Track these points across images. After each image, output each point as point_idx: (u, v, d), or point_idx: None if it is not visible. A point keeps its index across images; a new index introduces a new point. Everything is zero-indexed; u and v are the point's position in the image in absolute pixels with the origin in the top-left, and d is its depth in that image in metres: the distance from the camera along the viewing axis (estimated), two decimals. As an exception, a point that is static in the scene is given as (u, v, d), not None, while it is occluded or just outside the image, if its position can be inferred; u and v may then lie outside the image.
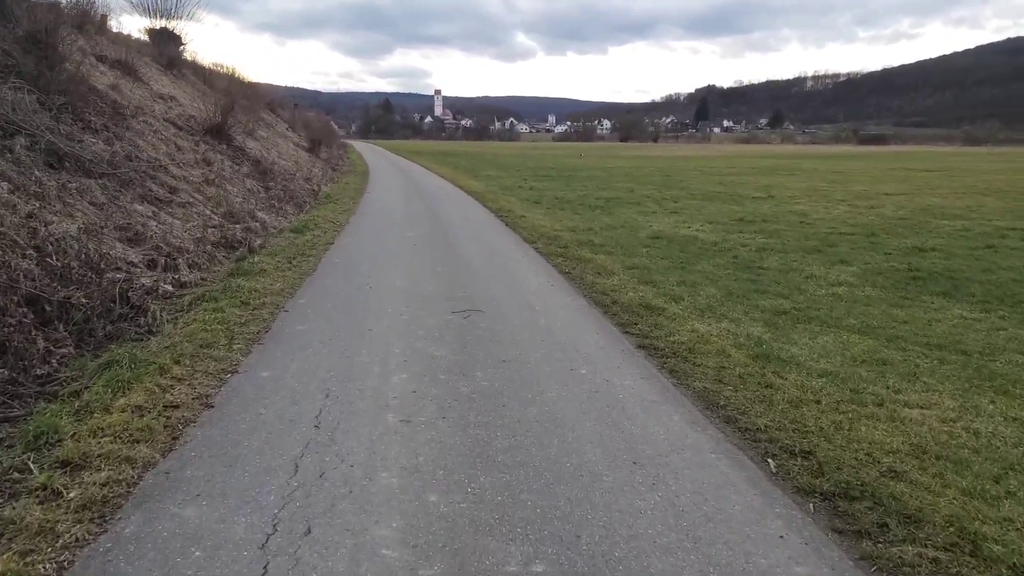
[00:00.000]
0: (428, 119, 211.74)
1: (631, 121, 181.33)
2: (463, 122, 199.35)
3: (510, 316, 5.74)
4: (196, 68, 21.87)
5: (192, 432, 3.39)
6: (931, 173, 30.63)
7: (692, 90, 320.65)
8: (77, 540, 2.48)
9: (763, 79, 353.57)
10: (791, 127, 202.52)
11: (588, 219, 12.94)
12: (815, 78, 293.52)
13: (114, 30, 17.98)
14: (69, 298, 4.90)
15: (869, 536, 2.69)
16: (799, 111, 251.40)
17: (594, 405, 3.86)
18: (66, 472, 2.91)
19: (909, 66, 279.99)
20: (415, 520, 2.67)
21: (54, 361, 4.18)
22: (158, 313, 5.35)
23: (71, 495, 2.73)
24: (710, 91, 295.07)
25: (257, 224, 9.74)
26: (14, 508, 2.62)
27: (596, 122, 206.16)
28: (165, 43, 19.26)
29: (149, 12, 19.50)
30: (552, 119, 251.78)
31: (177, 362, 4.25)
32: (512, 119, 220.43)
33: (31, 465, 2.94)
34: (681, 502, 2.88)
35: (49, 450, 3.10)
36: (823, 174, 29.76)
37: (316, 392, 3.91)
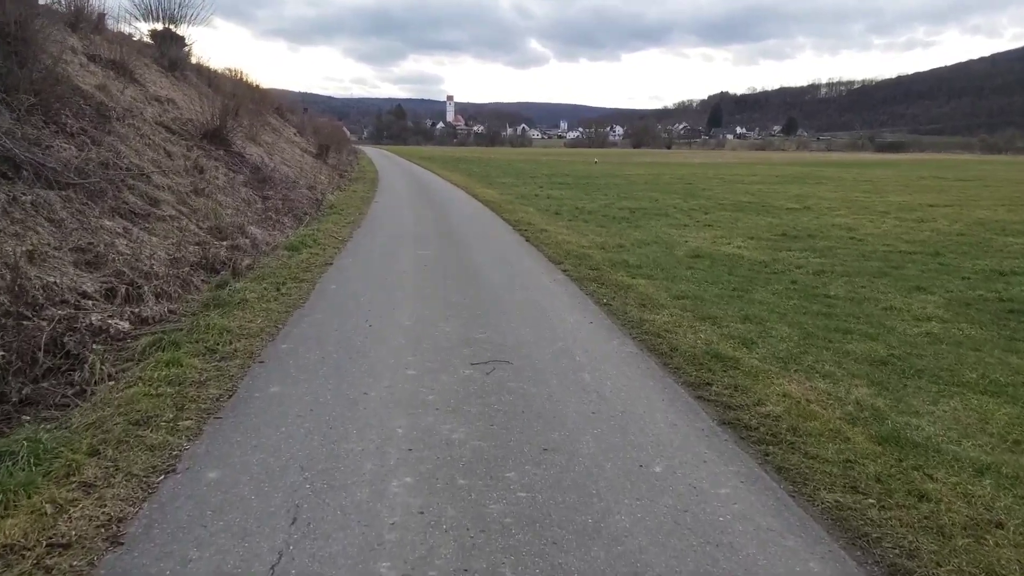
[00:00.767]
0: (440, 125, 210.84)
1: (644, 127, 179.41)
2: (475, 128, 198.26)
3: (545, 370, 4.50)
4: (201, 70, 20.74)
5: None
6: (966, 183, 29.34)
7: (705, 97, 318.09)
8: None
9: (777, 86, 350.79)
10: (805, 134, 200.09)
11: (616, 234, 11.70)
12: (829, 85, 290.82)
13: (114, 31, 17.03)
14: (-30, 351, 3.75)
15: None
16: (813, 118, 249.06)
17: (686, 540, 2.60)
18: None
19: (924, 74, 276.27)
20: None
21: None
22: (96, 365, 4.17)
23: None
24: (723, 98, 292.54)
25: (247, 241, 8.57)
26: None
27: (608, 128, 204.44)
28: (168, 44, 18.21)
29: (153, 16, 18.46)
30: (564, 125, 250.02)
31: (95, 452, 3.06)
32: (524, 125, 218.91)
33: None
34: None
35: None
36: (852, 183, 28.58)
37: (279, 513, 2.68)
